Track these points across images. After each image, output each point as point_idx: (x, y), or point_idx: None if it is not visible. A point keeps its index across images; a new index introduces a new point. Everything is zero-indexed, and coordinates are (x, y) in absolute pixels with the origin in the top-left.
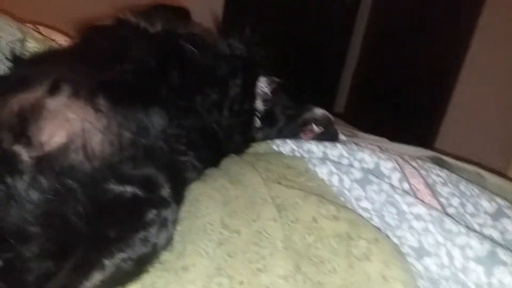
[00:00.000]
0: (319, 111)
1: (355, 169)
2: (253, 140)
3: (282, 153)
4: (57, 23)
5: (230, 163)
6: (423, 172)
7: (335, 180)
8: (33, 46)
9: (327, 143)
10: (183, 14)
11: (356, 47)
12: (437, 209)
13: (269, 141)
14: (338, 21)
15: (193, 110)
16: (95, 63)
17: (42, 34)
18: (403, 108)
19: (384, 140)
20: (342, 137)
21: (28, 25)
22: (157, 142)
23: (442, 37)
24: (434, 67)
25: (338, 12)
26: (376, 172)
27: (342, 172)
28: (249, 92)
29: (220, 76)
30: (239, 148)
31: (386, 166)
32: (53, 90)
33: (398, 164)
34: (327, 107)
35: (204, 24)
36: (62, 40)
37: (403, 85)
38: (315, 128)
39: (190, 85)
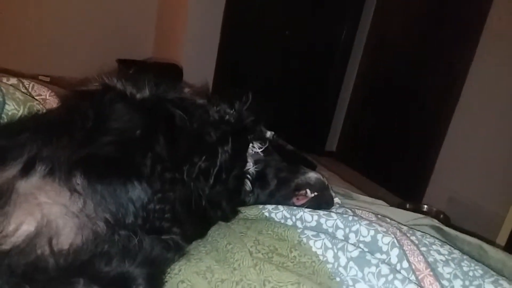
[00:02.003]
0: (313, 175)
1: (351, 245)
2: (244, 203)
3: (273, 220)
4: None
5: (218, 235)
6: (423, 248)
7: (330, 255)
8: (12, 109)
9: (321, 212)
10: (175, 71)
11: (348, 90)
12: None
13: (260, 206)
14: (332, 62)
15: (179, 181)
16: (76, 135)
17: (26, 91)
18: (393, 149)
19: (380, 202)
20: (336, 199)
21: (12, 80)
22: (137, 222)
23: (434, 81)
24: (425, 111)
25: (332, 54)
26: (373, 247)
27: (337, 248)
28: (239, 158)
29: (209, 144)
30: (227, 216)
31: (384, 241)
32: (27, 169)
33: (397, 239)
34: (320, 146)
35: (198, 81)
36: (47, 95)
37: (390, 127)
38: (309, 193)
39: (178, 155)
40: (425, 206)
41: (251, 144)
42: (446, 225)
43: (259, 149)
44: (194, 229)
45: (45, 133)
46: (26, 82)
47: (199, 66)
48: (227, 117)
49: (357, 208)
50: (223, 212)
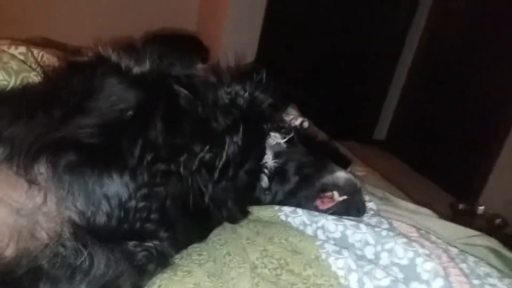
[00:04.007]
0: (342, 175)
1: (381, 271)
2: (258, 202)
3: (290, 226)
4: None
5: (219, 240)
6: (476, 281)
7: (353, 279)
8: (1, 79)
9: (348, 222)
10: (193, 44)
11: (402, 77)
12: None
13: (276, 207)
14: (384, 48)
15: (174, 174)
16: (54, 113)
17: (34, 60)
18: (449, 142)
19: (425, 211)
20: (371, 205)
21: (20, 48)
22: (110, 224)
23: (494, 71)
24: (490, 102)
25: (385, 40)
26: (411, 273)
27: (363, 272)
28: (253, 150)
29: (215, 132)
30: (235, 216)
31: (425, 267)
32: None
33: (442, 266)
34: (367, 133)
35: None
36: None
37: (447, 118)
38: (336, 195)
39: (176, 142)
40: (480, 207)
41: (272, 133)
42: (504, 233)
43: (282, 139)
44: (189, 233)
45: (16, 109)
46: (35, 51)
47: (240, 46)
48: (239, 100)
49: (395, 219)
50: (229, 213)
